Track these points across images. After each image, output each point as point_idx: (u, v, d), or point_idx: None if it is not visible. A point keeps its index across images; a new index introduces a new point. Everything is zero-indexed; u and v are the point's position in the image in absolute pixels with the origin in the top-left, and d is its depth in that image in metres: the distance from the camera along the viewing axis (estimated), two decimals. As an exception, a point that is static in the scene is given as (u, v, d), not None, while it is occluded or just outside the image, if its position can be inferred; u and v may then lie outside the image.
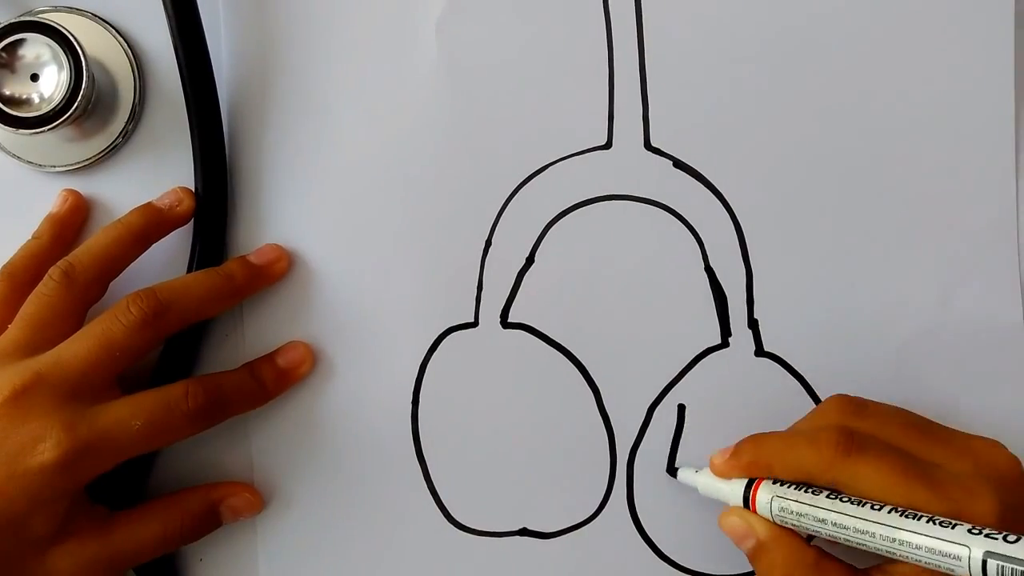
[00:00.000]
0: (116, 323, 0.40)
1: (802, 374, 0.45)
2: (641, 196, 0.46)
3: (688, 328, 0.45)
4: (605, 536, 0.45)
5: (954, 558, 0.34)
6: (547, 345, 0.45)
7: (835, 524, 0.37)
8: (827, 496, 0.38)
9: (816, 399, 0.45)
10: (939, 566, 0.35)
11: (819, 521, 0.37)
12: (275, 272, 0.45)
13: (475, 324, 0.45)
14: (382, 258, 0.45)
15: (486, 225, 0.45)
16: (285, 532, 0.45)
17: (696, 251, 0.45)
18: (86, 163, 0.45)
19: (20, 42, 0.42)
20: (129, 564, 0.41)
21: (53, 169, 0.45)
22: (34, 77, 0.43)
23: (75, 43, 0.42)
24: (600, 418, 0.45)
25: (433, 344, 0.45)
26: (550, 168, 0.45)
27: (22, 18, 0.43)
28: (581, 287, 0.45)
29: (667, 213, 0.45)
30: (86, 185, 0.45)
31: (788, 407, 0.45)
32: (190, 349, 0.44)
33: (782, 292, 0.45)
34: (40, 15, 0.44)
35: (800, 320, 0.45)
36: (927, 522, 0.35)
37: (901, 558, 0.36)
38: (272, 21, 0.45)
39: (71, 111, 0.42)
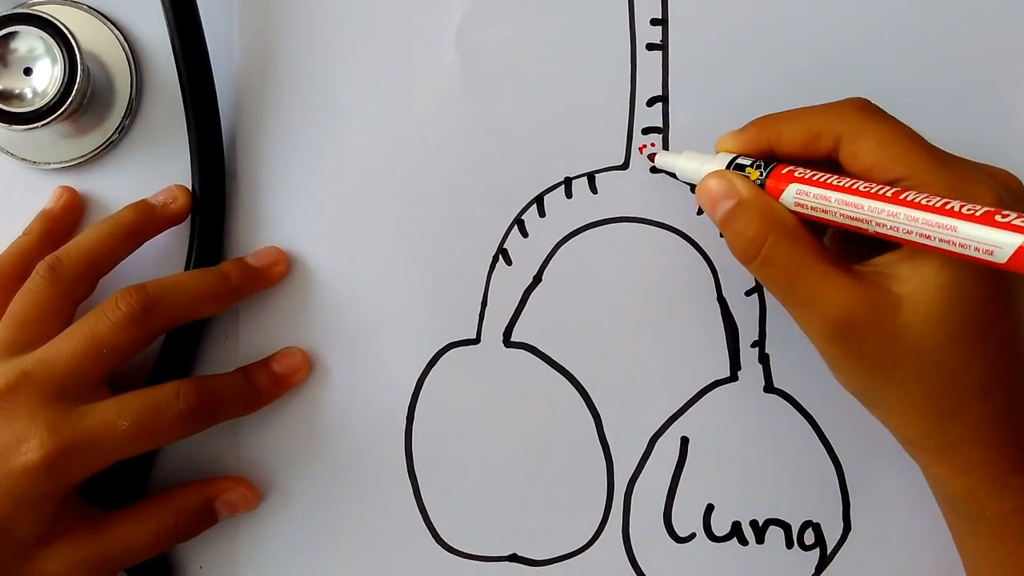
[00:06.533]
0: (104, 319, 0.39)
1: (811, 413, 0.44)
2: (656, 220, 0.44)
3: (697, 359, 0.44)
4: (597, 568, 0.44)
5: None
6: (549, 367, 0.44)
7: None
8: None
9: (824, 439, 0.44)
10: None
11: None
12: (273, 275, 0.43)
13: (477, 341, 0.44)
14: (385, 267, 0.44)
15: (495, 240, 0.44)
16: (270, 544, 0.44)
17: (710, 280, 0.44)
18: (81, 160, 0.43)
19: (13, 35, 0.41)
20: (124, 564, 0.41)
21: (47, 166, 0.43)
22: (27, 71, 0.41)
23: (69, 36, 0.40)
24: (600, 446, 0.44)
25: (433, 359, 0.44)
26: (563, 186, 0.43)
27: (15, 10, 0.41)
28: (588, 309, 0.44)
29: (682, 239, 0.43)
30: (81, 182, 0.44)
31: (795, 446, 0.44)
32: (188, 352, 0.43)
33: (795, 329, 0.43)
34: (34, 7, 0.42)
35: (812, 358, 0.43)
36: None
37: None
38: (287, 20, 0.44)
39: (65, 106, 0.41)
